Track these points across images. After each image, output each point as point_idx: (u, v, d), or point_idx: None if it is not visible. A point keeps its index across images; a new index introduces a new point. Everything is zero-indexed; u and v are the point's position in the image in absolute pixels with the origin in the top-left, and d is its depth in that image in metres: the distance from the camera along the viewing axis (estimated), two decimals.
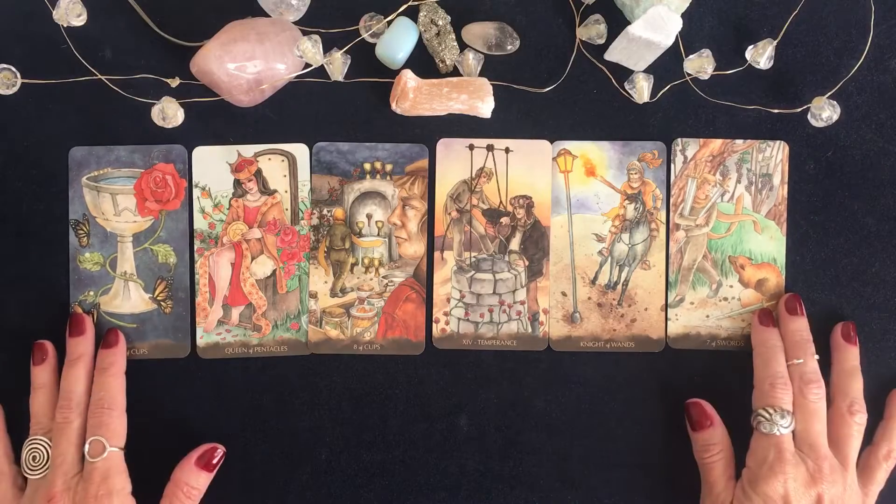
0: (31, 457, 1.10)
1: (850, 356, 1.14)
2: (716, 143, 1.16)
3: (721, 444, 1.13)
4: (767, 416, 1.09)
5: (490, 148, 1.16)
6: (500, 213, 1.17)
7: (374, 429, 1.17)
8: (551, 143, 1.17)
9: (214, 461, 1.12)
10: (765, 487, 1.07)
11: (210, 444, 1.13)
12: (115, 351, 1.13)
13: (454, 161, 1.17)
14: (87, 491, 1.06)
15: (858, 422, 1.11)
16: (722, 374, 1.16)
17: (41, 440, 1.11)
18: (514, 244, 1.17)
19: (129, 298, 1.17)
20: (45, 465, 1.10)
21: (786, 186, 1.16)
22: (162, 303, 1.17)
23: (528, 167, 1.17)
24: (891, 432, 1.14)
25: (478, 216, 1.17)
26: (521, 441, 1.17)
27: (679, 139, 1.16)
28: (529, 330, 1.17)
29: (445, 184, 1.17)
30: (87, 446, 1.08)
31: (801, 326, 1.14)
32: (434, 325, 1.17)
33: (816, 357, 1.12)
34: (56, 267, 1.16)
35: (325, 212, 1.17)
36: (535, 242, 1.17)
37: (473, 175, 1.17)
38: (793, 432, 1.09)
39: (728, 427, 1.13)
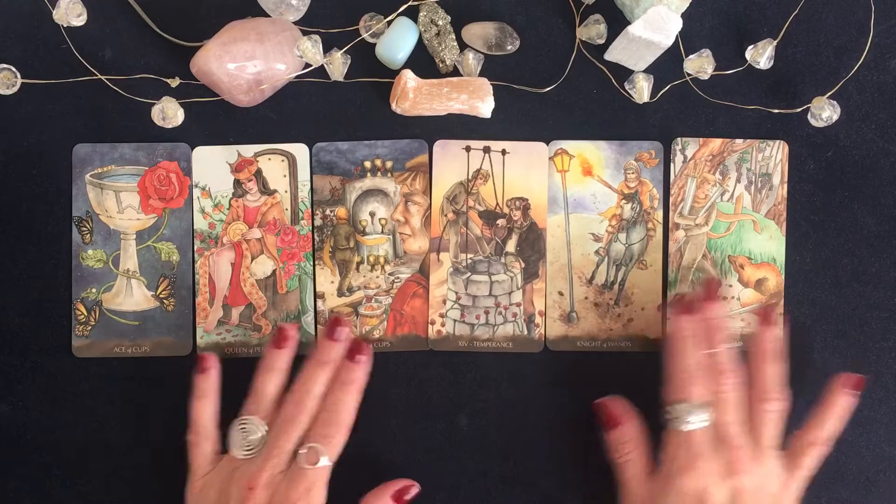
0: (242, 434, 1.10)
1: (764, 339, 1.11)
2: (715, 143, 1.16)
3: (633, 443, 1.11)
4: (678, 412, 1.07)
5: (487, 150, 1.17)
6: (496, 214, 1.17)
7: (374, 429, 1.17)
8: (549, 143, 1.17)
9: (408, 497, 1.13)
10: (679, 484, 1.05)
11: (407, 480, 1.13)
12: (360, 368, 1.12)
13: (450, 163, 1.17)
14: (288, 496, 1.06)
15: (771, 409, 1.08)
16: None
17: (257, 422, 1.10)
18: (511, 246, 1.17)
19: (131, 296, 1.17)
20: (255, 447, 1.09)
21: (785, 186, 1.16)
22: (164, 301, 1.17)
23: (524, 169, 1.17)
24: (820, 421, 1.11)
25: (474, 218, 1.17)
26: (521, 441, 1.17)
27: (679, 138, 1.16)
28: (525, 332, 1.17)
29: (441, 185, 1.17)
30: (304, 450, 1.08)
31: (716, 313, 1.11)
32: (430, 326, 1.17)
33: (732, 345, 1.10)
34: (57, 265, 1.17)
35: (327, 212, 1.17)
36: (532, 244, 1.17)
37: (470, 177, 1.17)
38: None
39: None
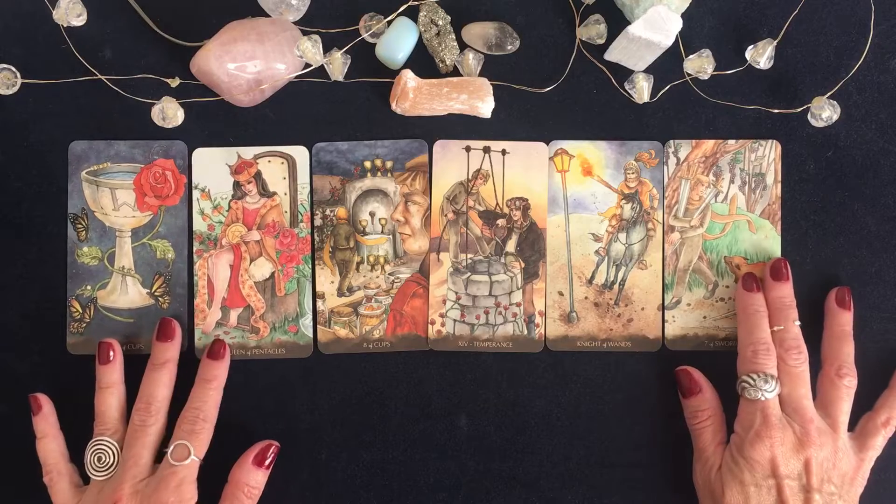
0: (95, 457, 1.10)
1: (842, 321, 1.14)
2: (708, 144, 1.16)
3: (710, 411, 1.14)
4: (751, 381, 1.09)
5: (487, 150, 1.16)
6: (496, 214, 1.17)
7: (374, 429, 1.17)
8: (549, 143, 1.17)
9: (270, 458, 1.13)
10: (751, 452, 1.07)
11: (264, 441, 1.14)
12: (220, 364, 1.14)
13: (451, 163, 1.17)
14: (160, 496, 1.07)
15: (847, 385, 1.11)
16: (721, 374, 1.15)
17: (107, 441, 1.11)
18: (511, 246, 1.17)
19: (126, 293, 1.17)
20: (110, 466, 1.10)
21: (779, 185, 1.16)
22: (159, 298, 1.17)
23: (524, 169, 1.17)
24: (893, 400, 1.14)
25: (474, 218, 1.16)
26: (520, 441, 1.17)
27: (671, 141, 1.16)
28: (525, 332, 1.17)
29: (442, 185, 1.17)
30: (171, 448, 1.09)
31: (784, 293, 1.14)
32: (430, 326, 1.17)
33: (798, 323, 1.13)
34: (55, 265, 1.17)
35: (327, 212, 1.17)
36: (532, 244, 1.17)
37: (470, 177, 1.17)
38: (779, 397, 1.10)
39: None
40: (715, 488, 1.10)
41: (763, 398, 1.08)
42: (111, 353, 1.13)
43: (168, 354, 1.13)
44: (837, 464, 1.09)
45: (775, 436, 1.07)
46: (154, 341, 1.14)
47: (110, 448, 1.10)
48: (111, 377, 1.13)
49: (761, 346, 1.11)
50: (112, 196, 1.17)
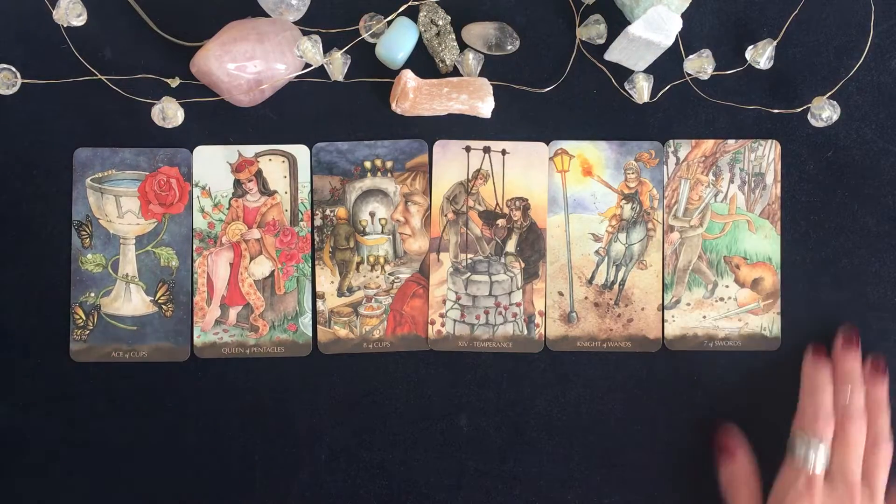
0: None
1: (878, 389, 1.13)
2: (708, 144, 1.16)
3: (745, 476, 1.12)
4: (806, 443, 1.08)
5: (487, 150, 1.17)
6: (496, 214, 1.17)
7: (374, 429, 1.17)
8: (549, 143, 1.17)
9: None
10: None
11: None
12: None
13: (451, 162, 1.17)
14: None
15: (885, 453, 1.10)
16: (721, 374, 1.16)
17: None
18: (511, 246, 1.17)
19: (129, 301, 1.17)
20: None
21: (779, 185, 1.16)
22: (163, 306, 1.17)
23: (524, 169, 1.17)
24: None
25: (474, 218, 1.16)
26: (520, 441, 1.17)
27: (671, 140, 1.16)
28: (525, 332, 1.17)
29: (442, 185, 1.17)
30: None
31: (855, 364, 1.12)
32: (430, 326, 1.17)
33: (863, 392, 1.11)
34: (56, 268, 1.16)
35: (327, 212, 1.17)
36: (532, 245, 1.17)
37: (470, 177, 1.17)
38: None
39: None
40: None
41: (811, 465, 1.07)
42: None
43: None
44: None
45: (816, 498, 1.06)
46: None
47: None
48: None
49: (823, 411, 1.09)
50: (116, 203, 1.17)
